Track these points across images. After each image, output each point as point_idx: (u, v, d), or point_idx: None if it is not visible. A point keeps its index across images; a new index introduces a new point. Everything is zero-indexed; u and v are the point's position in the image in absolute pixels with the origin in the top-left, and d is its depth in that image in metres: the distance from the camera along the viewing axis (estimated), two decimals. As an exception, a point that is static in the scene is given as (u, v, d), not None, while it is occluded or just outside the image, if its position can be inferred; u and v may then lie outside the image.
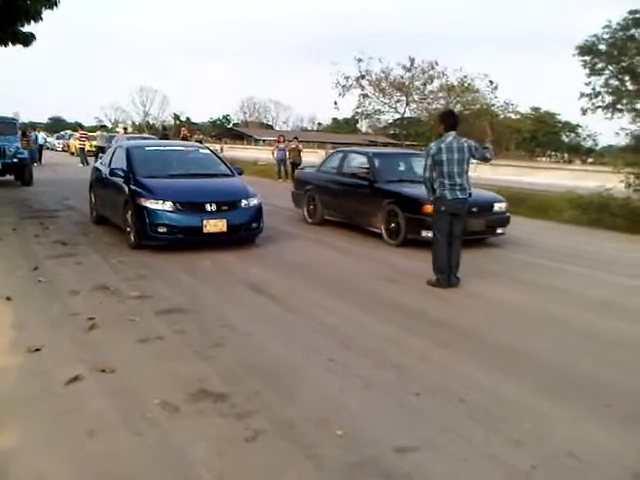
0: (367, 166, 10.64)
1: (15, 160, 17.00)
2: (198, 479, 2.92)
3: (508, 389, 4.10)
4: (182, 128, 31.83)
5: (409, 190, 9.51)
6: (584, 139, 59.69)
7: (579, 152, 55.99)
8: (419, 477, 2.97)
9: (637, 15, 36.64)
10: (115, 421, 3.46)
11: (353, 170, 11.01)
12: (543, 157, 54.11)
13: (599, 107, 40.44)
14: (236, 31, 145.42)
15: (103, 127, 46.02)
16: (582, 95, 40.60)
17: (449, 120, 6.93)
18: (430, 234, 8.33)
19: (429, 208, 8.14)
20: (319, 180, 11.76)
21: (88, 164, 27.45)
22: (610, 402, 3.94)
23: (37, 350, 4.49)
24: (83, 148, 29.49)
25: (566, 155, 57.84)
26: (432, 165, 6.72)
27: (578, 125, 58.57)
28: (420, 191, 8.89)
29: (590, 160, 45.48)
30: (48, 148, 34.92)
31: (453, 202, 6.71)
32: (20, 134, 19.03)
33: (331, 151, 15.72)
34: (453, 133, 6.75)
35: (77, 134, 31.28)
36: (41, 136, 30.62)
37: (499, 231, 9.63)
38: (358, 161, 11.18)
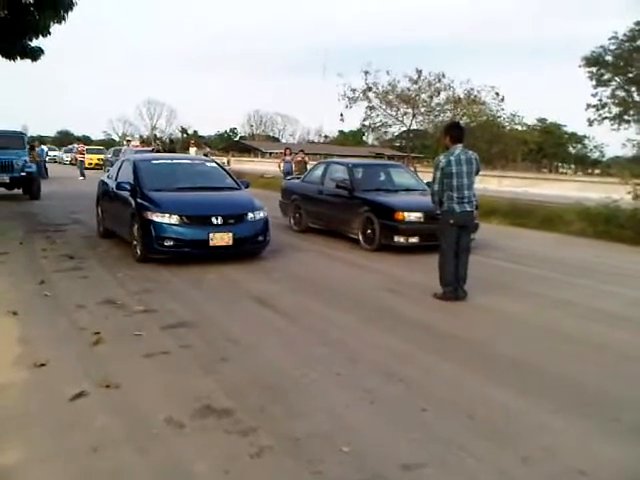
0: (346, 176, 11.27)
1: (23, 174, 17.10)
2: (202, 497, 2.89)
3: (516, 404, 4.05)
4: (191, 141, 32.00)
5: (383, 199, 10.33)
6: (591, 150, 59.62)
7: (586, 163, 55.88)
8: (426, 495, 2.94)
9: (643, 26, 36.67)
10: (120, 437, 3.43)
11: (334, 180, 11.52)
12: (548, 169, 53.96)
13: (606, 118, 40.53)
14: (242, 44, 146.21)
15: (128, 141, 46.38)
16: (589, 106, 40.72)
17: (455, 132, 6.91)
18: (402, 240, 9.59)
19: (400, 215, 9.54)
20: (304, 190, 12.49)
21: (84, 177, 27.78)
22: (618, 416, 3.89)
23: (42, 365, 4.48)
24: (82, 161, 29.83)
25: (573, 166, 57.73)
26: (441, 178, 6.68)
27: (585, 136, 58.56)
28: (393, 200, 10.13)
29: (597, 171, 45.34)
30: (56, 162, 35.12)
31: (461, 215, 6.69)
32: (28, 148, 19.14)
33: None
34: (460, 146, 6.73)
35: (79, 148, 31.89)
36: (45, 149, 30.99)
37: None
38: (339, 172, 11.80)
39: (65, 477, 3.04)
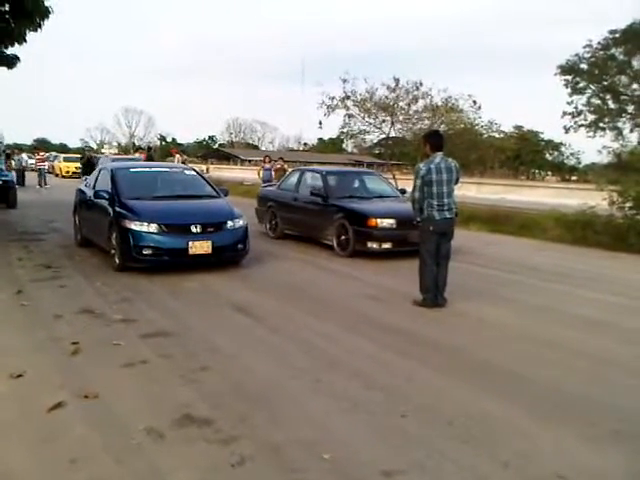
0: (321, 184, 11.45)
1: (-1, 182, 16.90)
2: (183, 507, 2.87)
3: (495, 409, 4.09)
4: (174, 150, 31.77)
5: (357, 205, 10.53)
6: (567, 157, 60.22)
7: (562, 170, 56.42)
8: (407, 501, 2.95)
9: (617, 35, 37.31)
10: (99, 448, 3.40)
11: (309, 187, 11.68)
12: (526, 176, 54.49)
13: (582, 125, 41.08)
14: (221, 52, 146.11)
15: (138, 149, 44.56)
16: (564, 114, 41.24)
17: (434, 140, 6.96)
18: (375, 245, 9.77)
19: (373, 222, 9.76)
20: (279, 197, 12.64)
21: (42, 186, 27.18)
22: (596, 421, 3.94)
23: (19, 376, 4.42)
24: (40, 169, 28.80)
25: (550, 173, 58.30)
26: (422, 186, 6.71)
27: (561, 143, 59.16)
28: (366, 207, 10.36)
29: (574, 178, 45.89)
30: (32, 170, 34.70)
31: (442, 222, 6.73)
32: (4, 156, 18.93)
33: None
34: (440, 154, 6.78)
35: (37, 156, 31.02)
36: (23, 158, 30.46)
37: None
38: (313, 179, 11.94)
39: (43, 489, 3.00)
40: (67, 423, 3.71)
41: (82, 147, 58.98)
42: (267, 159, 22.32)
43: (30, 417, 3.81)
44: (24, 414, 3.86)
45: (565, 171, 56.21)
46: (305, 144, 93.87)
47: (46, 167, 29.65)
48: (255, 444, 3.46)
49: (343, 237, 10.28)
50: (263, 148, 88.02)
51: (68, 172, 37.92)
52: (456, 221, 7.03)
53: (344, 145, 75.29)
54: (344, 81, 20.29)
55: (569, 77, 40.33)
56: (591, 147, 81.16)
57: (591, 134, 40.63)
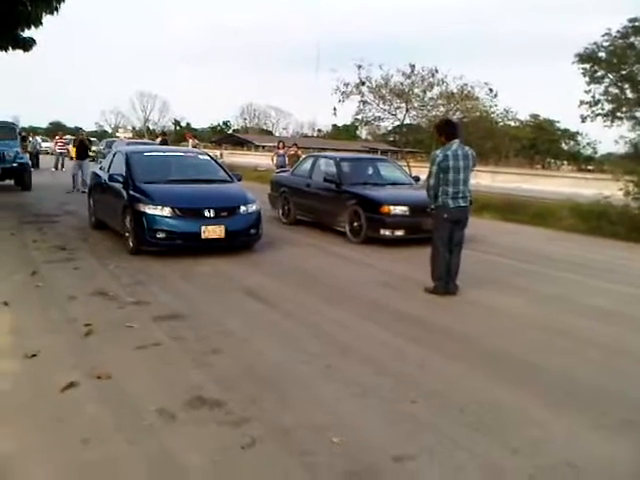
0: (334, 170, 11.42)
1: (15, 165, 16.99)
2: (193, 487, 2.90)
3: (506, 397, 4.08)
4: (188, 134, 31.80)
5: (370, 192, 10.48)
6: (583, 147, 59.67)
7: (578, 160, 55.94)
8: (416, 486, 2.96)
9: (636, 23, 36.76)
10: (111, 428, 3.43)
11: (322, 174, 11.65)
12: (541, 165, 54.04)
13: (599, 115, 40.57)
14: (237, 37, 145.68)
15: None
16: (582, 103, 40.73)
17: (450, 129, 6.88)
18: (387, 233, 9.74)
19: (386, 209, 9.72)
20: (292, 183, 12.61)
21: (57, 169, 27.32)
22: (608, 410, 3.92)
23: (33, 356, 4.47)
24: (61, 152, 29.04)
25: (565, 163, 57.82)
26: (437, 172, 6.65)
27: (578, 133, 58.62)
28: (380, 193, 10.31)
29: (590, 167, 45.45)
30: (48, 153, 34.85)
31: (455, 210, 6.68)
32: (20, 139, 19.02)
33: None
34: (457, 141, 6.72)
35: (58, 139, 30.97)
36: (37, 141, 30.61)
37: None
38: (327, 165, 11.94)
39: (55, 468, 3.04)
40: (80, 403, 3.75)
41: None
42: (281, 145, 22.27)
43: (43, 396, 3.85)
44: (38, 393, 3.90)
45: (581, 161, 55.74)
46: (319, 130, 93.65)
47: (66, 151, 29.83)
48: (265, 426, 3.48)
49: (356, 224, 10.25)
50: (277, 134, 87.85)
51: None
52: (470, 209, 6.99)
53: (358, 132, 75.12)
54: (359, 67, 20.12)
55: (587, 66, 39.78)
56: (608, 137, 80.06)
57: (608, 124, 40.15)
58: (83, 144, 18.60)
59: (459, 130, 6.98)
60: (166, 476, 2.99)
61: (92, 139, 28.61)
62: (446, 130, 6.89)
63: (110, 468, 3.04)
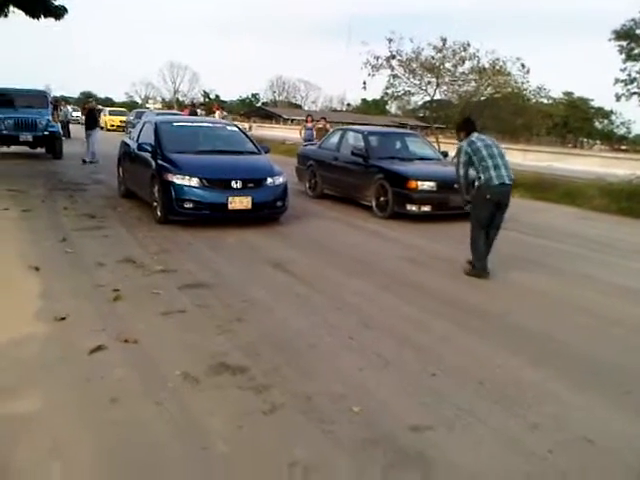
0: (362, 144, 11.34)
1: (46, 133, 17.18)
2: (215, 450, 2.96)
3: (527, 373, 4.09)
4: (215, 106, 31.84)
5: (397, 167, 10.38)
6: (617, 126, 58.50)
7: (612, 139, 54.91)
8: (433, 455, 2.99)
9: (677, -1, 35.60)
10: (137, 390, 3.52)
11: (350, 147, 11.56)
12: (573, 144, 53.08)
13: (635, 94, 39.52)
14: (266, 9, 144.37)
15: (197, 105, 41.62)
16: (617, 81, 39.68)
17: (469, 126, 6.83)
18: (414, 208, 9.70)
19: (413, 184, 9.66)
20: (320, 156, 12.57)
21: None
22: (630, 389, 3.91)
23: (62, 319, 4.58)
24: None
25: (598, 142, 56.79)
26: (467, 162, 6.54)
27: (612, 112, 57.39)
28: (407, 168, 10.24)
29: (623, 147, 44.53)
30: (79, 123, 35.17)
31: (499, 188, 6.44)
32: (52, 107, 19.20)
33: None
34: (476, 133, 6.68)
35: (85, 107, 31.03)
36: (68, 110, 30.84)
37: None
38: (354, 139, 11.84)
39: (82, 427, 3.13)
40: (107, 365, 3.84)
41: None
42: (309, 119, 22.19)
43: (72, 358, 3.95)
44: (67, 355, 4.00)
45: (614, 140, 54.63)
46: (349, 105, 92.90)
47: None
48: (286, 394, 3.53)
49: (382, 198, 10.21)
50: (306, 108, 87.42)
51: (113, 125, 38.52)
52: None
53: (388, 107, 74.24)
54: (390, 41, 19.85)
55: (624, 43, 38.69)
56: (644, 116, 78.33)
57: (644, 103, 39.17)
58: (92, 113, 18.22)
59: (477, 126, 6.89)
60: (189, 437, 3.05)
61: (100, 107, 28.39)
62: (466, 127, 6.84)
63: (135, 427, 3.13)
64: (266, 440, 3.06)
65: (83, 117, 29.12)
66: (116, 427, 3.12)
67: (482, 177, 6.49)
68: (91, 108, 18.52)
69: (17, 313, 4.72)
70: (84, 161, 16.81)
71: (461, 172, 6.66)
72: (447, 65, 20.06)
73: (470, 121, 7.19)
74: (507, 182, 6.51)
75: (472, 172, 6.64)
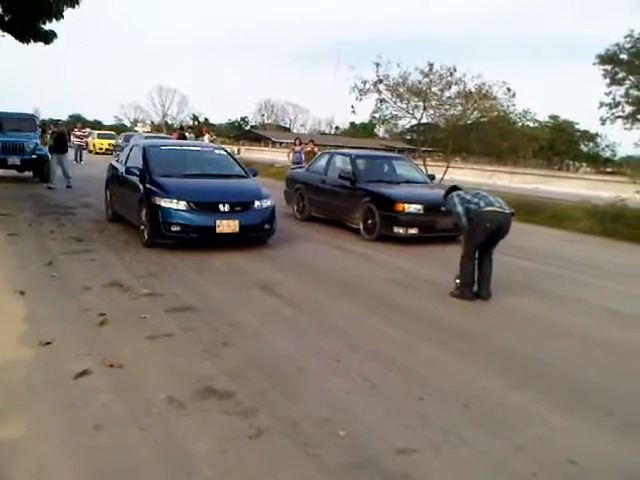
0: (349, 167, 11.45)
1: (34, 156, 17.14)
2: (200, 475, 2.95)
3: (512, 395, 4.11)
4: (204, 129, 31.98)
5: (385, 190, 10.47)
6: (603, 149, 59.20)
7: (597, 162, 55.56)
8: (419, 478, 2.99)
9: (659, 25, 36.26)
10: (121, 416, 3.50)
11: (337, 170, 11.67)
12: (559, 167, 53.63)
13: (619, 117, 40.01)
14: (255, 33, 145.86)
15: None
16: (602, 104, 40.18)
17: (453, 189, 7.00)
18: (401, 231, 9.75)
19: (400, 206, 9.73)
20: (307, 179, 12.67)
21: (78, 161, 27.50)
22: (613, 411, 3.93)
23: (48, 343, 4.55)
24: (79, 145, 29.26)
25: (584, 164, 57.43)
26: (463, 203, 6.62)
27: (597, 135, 58.08)
28: (394, 191, 10.33)
29: (609, 170, 45.07)
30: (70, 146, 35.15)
31: (493, 214, 6.48)
32: (40, 131, 19.18)
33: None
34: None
35: (78, 131, 30.90)
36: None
37: None
38: (342, 162, 11.95)
39: (67, 453, 3.11)
40: (92, 390, 3.82)
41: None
42: (298, 142, 22.34)
43: (57, 383, 3.92)
44: (51, 380, 3.97)
45: (600, 163, 55.28)
46: (337, 128, 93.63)
47: (84, 143, 30.00)
48: (272, 418, 3.53)
49: (370, 221, 10.27)
50: (295, 131, 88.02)
51: (101, 148, 38.49)
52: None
53: (376, 130, 74.89)
54: (377, 65, 20.07)
55: (608, 67, 39.30)
56: (628, 139, 79.29)
57: (628, 126, 39.50)
58: (62, 137, 17.81)
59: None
60: (175, 463, 3.04)
61: (87, 130, 28.68)
62: (451, 190, 7.00)
63: (120, 454, 3.11)
64: (252, 464, 3.05)
65: (74, 140, 29.19)
66: (100, 453, 3.10)
67: (481, 203, 6.55)
68: (61, 132, 18.23)
69: (2, 337, 4.68)
70: (69, 186, 16.61)
71: (463, 220, 6.61)
72: (434, 89, 20.28)
73: (454, 187, 7.25)
74: (499, 210, 6.54)
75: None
